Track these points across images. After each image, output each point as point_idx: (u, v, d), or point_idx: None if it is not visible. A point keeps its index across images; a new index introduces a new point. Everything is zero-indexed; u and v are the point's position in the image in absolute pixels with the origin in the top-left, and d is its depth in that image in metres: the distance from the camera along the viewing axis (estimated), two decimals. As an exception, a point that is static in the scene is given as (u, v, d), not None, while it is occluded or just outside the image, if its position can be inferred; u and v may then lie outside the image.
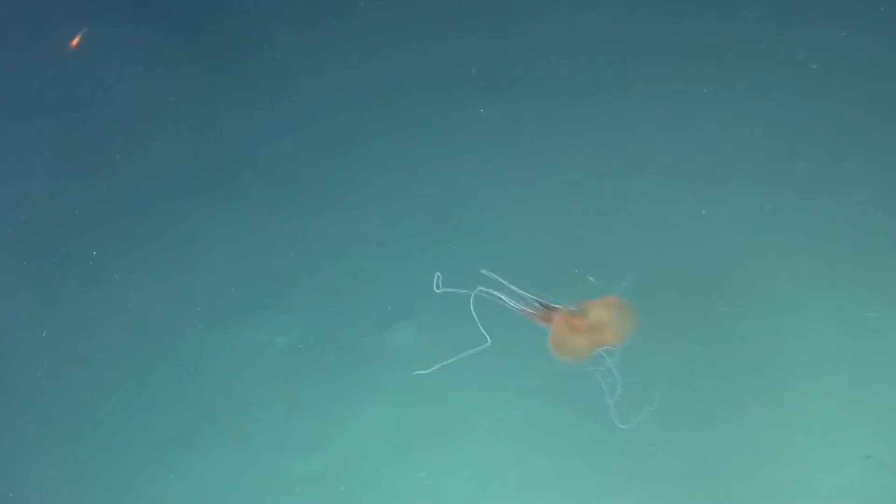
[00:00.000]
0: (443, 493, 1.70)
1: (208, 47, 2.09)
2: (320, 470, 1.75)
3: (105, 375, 1.87)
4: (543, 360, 1.69)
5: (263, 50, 2.06)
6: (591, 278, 1.73)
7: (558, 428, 1.68)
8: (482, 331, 1.68)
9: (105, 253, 1.96)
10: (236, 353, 1.86)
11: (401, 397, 1.78)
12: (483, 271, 1.71)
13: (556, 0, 1.99)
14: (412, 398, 1.77)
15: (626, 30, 1.94)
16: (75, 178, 2.04)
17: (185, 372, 1.86)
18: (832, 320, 1.67)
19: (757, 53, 1.86)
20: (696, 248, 1.76)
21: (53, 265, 1.96)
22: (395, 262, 1.87)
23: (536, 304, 1.66)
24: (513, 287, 1.68)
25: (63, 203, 2.02)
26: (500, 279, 1.69)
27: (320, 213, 1.93)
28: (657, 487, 1.62)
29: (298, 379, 1.83)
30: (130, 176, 2.02)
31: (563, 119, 1.89)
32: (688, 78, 1.87)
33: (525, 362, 1.73)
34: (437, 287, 1.76)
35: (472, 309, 1.71)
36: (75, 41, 2.11)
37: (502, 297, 1.68)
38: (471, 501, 1.69)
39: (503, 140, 1.91)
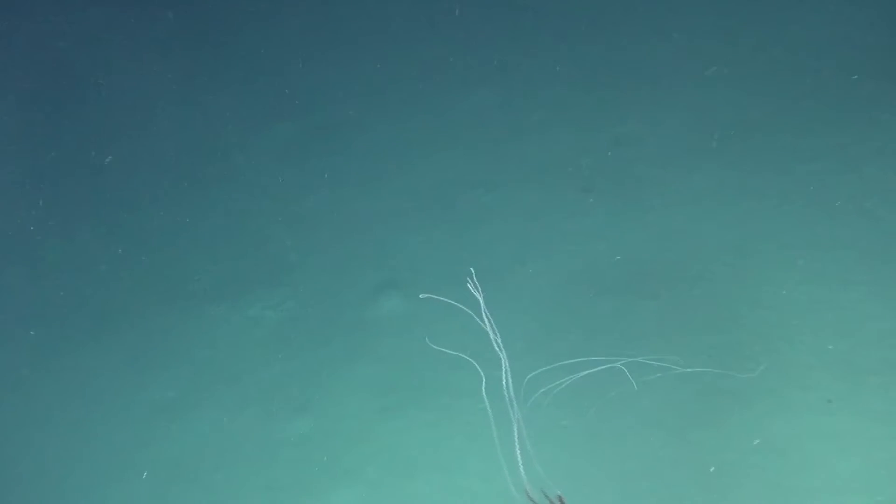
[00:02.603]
0: (426, 451, 1.82)
1: (205, 38, 2.21)
2: (309, 430, 1.88)
3: (109, 345, 1.99)
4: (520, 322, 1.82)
5: (257, 41, 2.19)
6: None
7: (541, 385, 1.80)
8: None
9: (110, 233, 2.08)
10: (230, 325, 2.00)
11: (385, 364, 1.90)
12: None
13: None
14: (396, 364, 1.90)
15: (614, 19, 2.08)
16: (82, 166, 2.15)
17: (183, 343, 1.99)
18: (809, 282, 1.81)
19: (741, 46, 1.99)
20: (676, 223, 1.90)
21: (61, 242, 2.08)
22: (382, 240, 2.00)
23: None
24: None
25: (73, 189, 2.14)
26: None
27: (310, 196, 2.07)
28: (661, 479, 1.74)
29: (288, 349, 1.97)
30: (132, 163, 2.14)
31: (548, 104, 2.03)
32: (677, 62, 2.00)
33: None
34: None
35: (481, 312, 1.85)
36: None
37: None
38: (454, 458, 1.81)
39: (489, 123, 2.05)
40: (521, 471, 1.71)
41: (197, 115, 2.16)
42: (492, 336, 1.81)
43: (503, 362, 1.78)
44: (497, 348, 1.80)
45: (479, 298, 1.83)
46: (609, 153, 1.98)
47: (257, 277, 2.03)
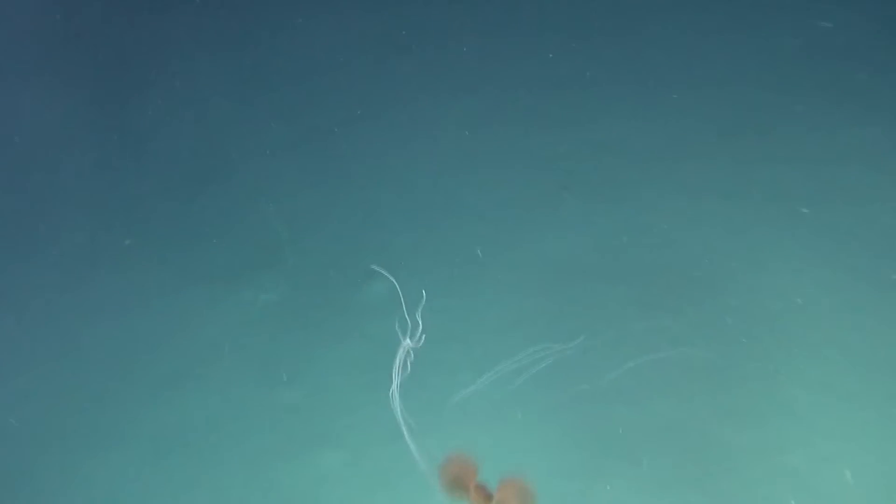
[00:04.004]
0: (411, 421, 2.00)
1: (206, 38, 2.45)
2: (298, 401, 2.04)
3: (110, 322, 2.14)
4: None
5: (254, 45, 2.43)
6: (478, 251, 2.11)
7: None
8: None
9: (115, 224, 2.25)
10: (226, 305, 2.17)
11: (371, 343, 2.09)
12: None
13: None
14: (381, 343, 2.08)
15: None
16: (91, 163, 2.33)
17: (181, 321, 2.14)
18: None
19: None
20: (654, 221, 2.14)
21: (69, 232, 2.24)
22: (371, 232, 2.21)
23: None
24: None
25: (82, 187, 2.31)
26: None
27: (304, 190, 2.27)
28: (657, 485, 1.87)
29: (280, 328, 2.14)
30: (139, 160, 2.33)
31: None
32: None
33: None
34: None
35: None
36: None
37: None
38: (439, 426, 1.98)
39: (474, 119, 2.30)
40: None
41: (197, 114, 2.38)
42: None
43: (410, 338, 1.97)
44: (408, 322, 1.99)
45: (394, 281, 2.03)
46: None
47: (252, 264, 2.22)
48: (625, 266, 2.13)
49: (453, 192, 2.26)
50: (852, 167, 2.17)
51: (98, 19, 2.58)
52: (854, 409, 1.90)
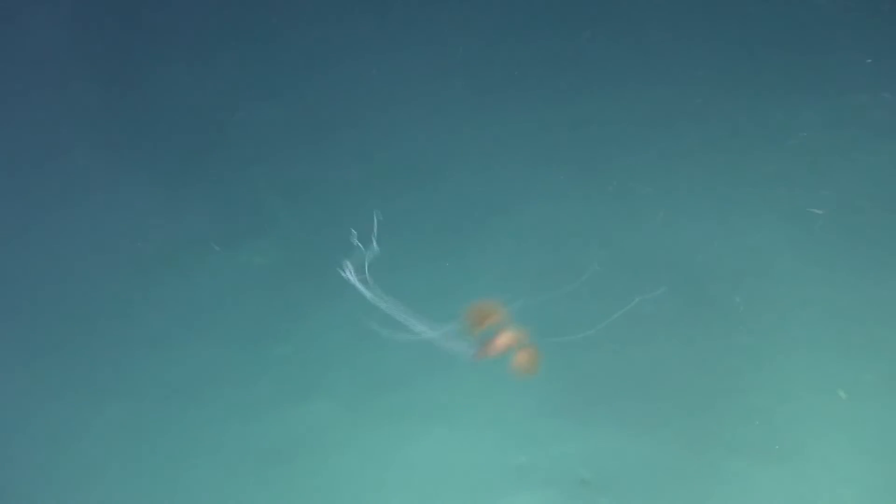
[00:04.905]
0: (392, 370, 2.10)
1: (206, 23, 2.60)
2: (289, 354, 2.15)
3: (111, 286, 2.26)
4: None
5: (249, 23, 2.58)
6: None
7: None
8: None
9: (122, 193, 2.39)
10: (221, 268, 2.29)
11: (359, 302, 2.19)
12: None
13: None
14: (368, 302, 2.19)
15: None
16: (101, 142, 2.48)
17: (178, 282, 2.27)
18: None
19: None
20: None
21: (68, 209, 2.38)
22: (362, 202, 2.33)
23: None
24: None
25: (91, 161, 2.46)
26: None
27: (298, 163, 2.40)
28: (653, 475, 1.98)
29: (272, 288, 2.27)
30: (144, 133, 2.47)
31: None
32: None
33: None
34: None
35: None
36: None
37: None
38: (417, 376, 2.08)
39: (466, 102, 2.44)
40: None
41: (196, 90, 2.52)
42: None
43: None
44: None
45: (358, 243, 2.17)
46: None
47: (248, 230, 2.34)
48: (607, 229, 2.23)
49: (444, 161, 2.38)
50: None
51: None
52: (825, 354, 1.99)
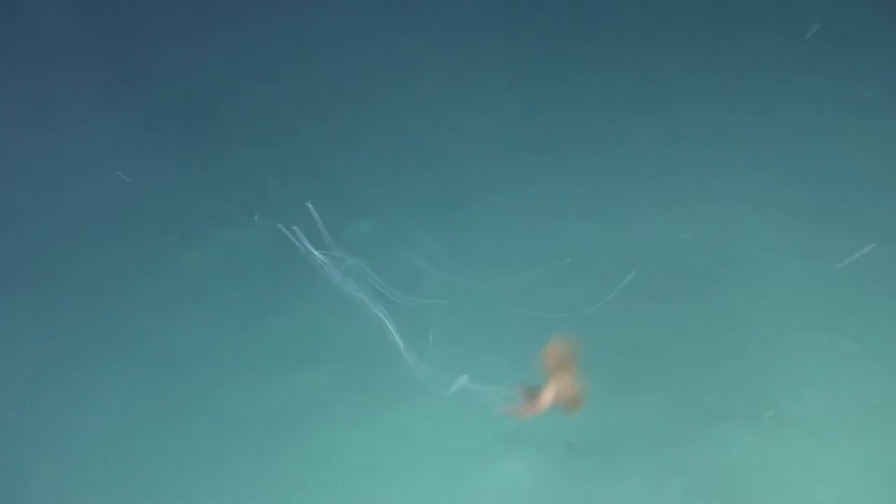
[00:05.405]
0: (379, 341, 2.14)
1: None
2: (282, 327, 2.20)
3: (122, 259, 2.33)
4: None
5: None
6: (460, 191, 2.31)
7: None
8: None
9: (125, 169, 2.45)
10: (218, 245, 2.35)
11: (349, 276, 2.23)
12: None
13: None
14: (358, 278, 2.23)
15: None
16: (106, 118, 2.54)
17: (174, 258, 2.31)
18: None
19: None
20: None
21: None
22: (355, 178, 2.38)
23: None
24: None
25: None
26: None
27: (290, 140, 2.46)
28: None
29: (268, 262, 2.32)
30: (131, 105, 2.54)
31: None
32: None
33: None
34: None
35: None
36: None
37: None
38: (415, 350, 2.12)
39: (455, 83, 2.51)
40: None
41: (196, 76, 2.58)
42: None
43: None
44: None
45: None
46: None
47: (243, 206, 2.39)
48: (596, 206, 2.31)
49: (437, 139, 2.44)
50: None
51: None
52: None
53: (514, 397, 1.85)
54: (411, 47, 2.59)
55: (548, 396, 1.83)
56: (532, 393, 1.84)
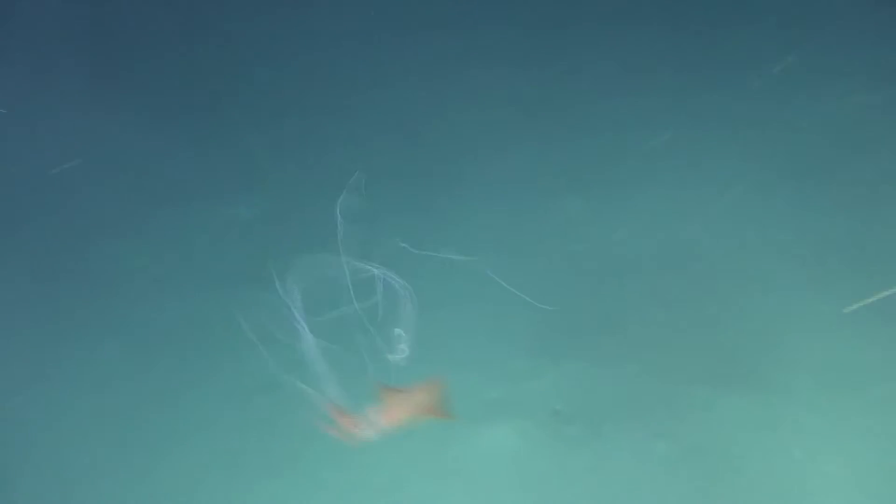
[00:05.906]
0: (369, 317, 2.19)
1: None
2: (275, 299, 2.23)
3: (116, 236, 2.39)
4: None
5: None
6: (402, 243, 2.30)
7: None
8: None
9: (120, 147, 2.50)
10: (211, 220, 2.39)
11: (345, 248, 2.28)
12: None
13: None
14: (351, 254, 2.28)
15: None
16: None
17: (170, 232, 2.37)
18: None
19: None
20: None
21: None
22: (346, 158, 2.42)
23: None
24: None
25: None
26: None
27: (285, 121, 2.49)
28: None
29: (260, 237, 2.36)
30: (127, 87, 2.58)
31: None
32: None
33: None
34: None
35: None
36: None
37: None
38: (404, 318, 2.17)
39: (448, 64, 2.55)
40: None
41: (190, 62, 2.62)
42: None
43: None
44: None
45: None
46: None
47: (234, 184, 2.44)
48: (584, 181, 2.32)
49: (430, 122, 2.48)
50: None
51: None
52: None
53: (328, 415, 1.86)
54: (395, 28, 2.61)
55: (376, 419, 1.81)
56: (345, 414, 1.82)
